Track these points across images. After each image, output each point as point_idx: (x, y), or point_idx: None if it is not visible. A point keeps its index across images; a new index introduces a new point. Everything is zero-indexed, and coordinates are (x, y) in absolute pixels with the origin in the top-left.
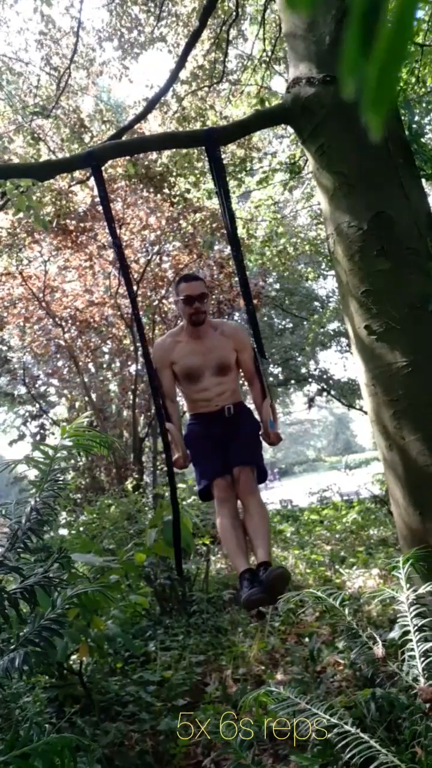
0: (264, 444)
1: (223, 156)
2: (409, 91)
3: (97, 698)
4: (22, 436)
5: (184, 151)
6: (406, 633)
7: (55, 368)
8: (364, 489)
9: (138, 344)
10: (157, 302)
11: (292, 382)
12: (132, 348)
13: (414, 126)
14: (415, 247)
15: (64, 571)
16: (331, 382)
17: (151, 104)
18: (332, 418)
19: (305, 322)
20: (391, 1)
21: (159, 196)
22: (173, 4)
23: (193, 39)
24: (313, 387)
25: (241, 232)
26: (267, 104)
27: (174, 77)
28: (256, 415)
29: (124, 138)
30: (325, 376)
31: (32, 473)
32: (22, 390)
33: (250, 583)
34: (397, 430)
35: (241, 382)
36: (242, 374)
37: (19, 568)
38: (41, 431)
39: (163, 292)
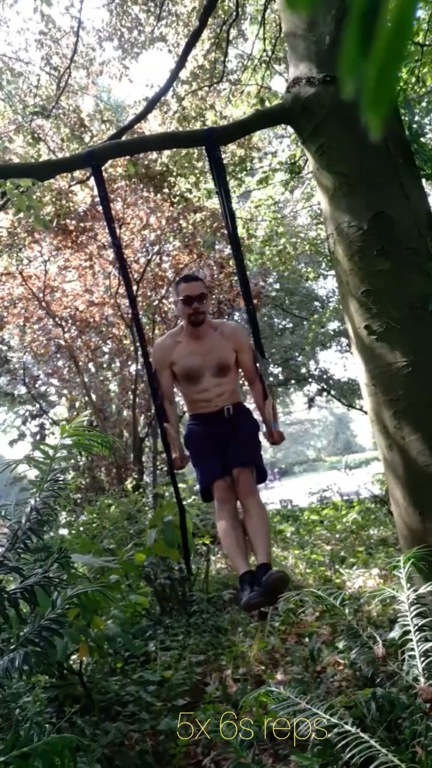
0: (264, 444)
1: (223, 156)
2: (409, 91)
3: (97, 698)
4: (22, 436)
5: (184, 150)
6: (407, 633)
7: (55, 368)
8: (364, 489)
9: (138, 344)
10: (157, 302)
11: (292, 382)
12: (132, 348)
13: (414, 126)
14: (415, 247)
15: (64, 571)
16: (331, 382)
17: (151, 104)
18: (332, 418)
19: (305, 322)
20: (390, 1)
21: (159, 196)
22: (173, 4)
23: (193, 39)
24: (313, 387)
25: (241, 231)
26: (267, 104)
27: (174, 77)
28: (256, 416)
29: (124, 138)
30: (325, 376)
31: (32, 473)
32: (22, 390)
33: (250, 586)
34: (397, 429)
35: (241, 382)
36: (242, 374)
37: (19, 568)
38: (41, 431)
39: (163, 291)
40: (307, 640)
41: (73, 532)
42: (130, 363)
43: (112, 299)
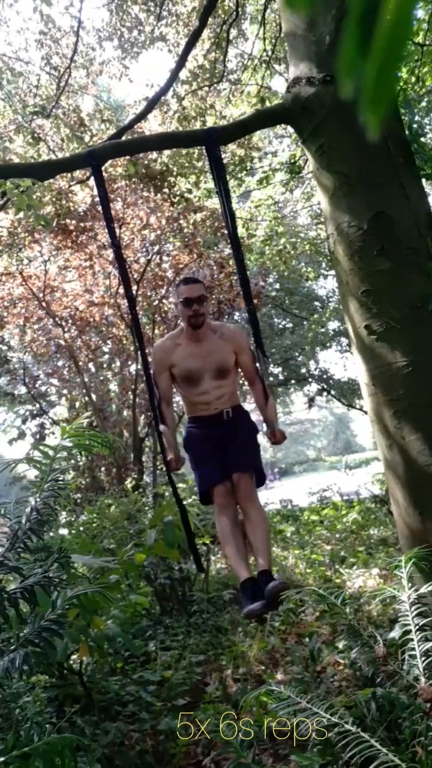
0: (264, 444)
1: (223, 156)
2: (409, 91)
3: (97, 698)
4: (22, 435)
5: (184, 150)
6: (407, 632)
7: (55, 368)
8: (364, 489)
9: (137, 345)
10: (157, 302)
11: (293, 381)
12: (132, 348)
13: (414, 126)
14: (415, 247)
15: (64, 571)
16: (331, 381)
17: (152, 104)
18: (332, 418)
19: (305, 322)
20: (389, 1)
21: (159, 195)
22: (173, 4)
23: (194, 38)
24: (313, 387)
25: (241, 231)
26: (267, 104)
27: (174, 77)
28: (253, 416)
29: (124, 138)
30: (325, 376)
31: (32, 473)
32: (23, 390)
33: (252, 595)
34: (398, 429)
35: (241, 382)
36: (243, 375)
37: (19, 568)
38: (41, 430)
39: (163, 291)
40: (307, 639)
41: (73, 532)
42: (130, 363)
43: (112, 299)
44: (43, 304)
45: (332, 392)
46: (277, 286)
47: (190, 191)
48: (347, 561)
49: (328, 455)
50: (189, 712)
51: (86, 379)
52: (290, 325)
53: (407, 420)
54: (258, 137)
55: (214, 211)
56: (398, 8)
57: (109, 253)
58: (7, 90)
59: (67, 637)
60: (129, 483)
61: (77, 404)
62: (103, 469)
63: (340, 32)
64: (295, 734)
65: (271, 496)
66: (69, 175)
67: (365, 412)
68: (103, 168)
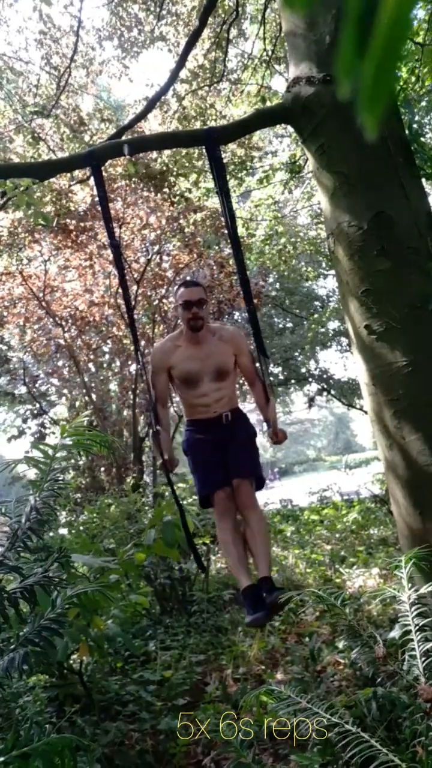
0: (264, 443)
1: (223, 155)
2: (409, 91)
3: (97, 698)
4: (21, 433)
5: (184, 150)
6: (407, 632)
7: (55, 368)
8: (364, 488)
9: (134, 346)
10: (157, 302)
11: (292, 381)
12: (132, 348)
13: (414, 125)
14: (415, 247)
15: (64, 571)
16: (331, 381)
17: (152, 103)
18: (332, 418)
19: (305, 322)
20: (387, 2)
21: (159, 195)
22: (173, 3)
23: (194, 38)
24: (314, 386)
25: (241, 231)
26: (267, 103)
27: (174, 76)
28: (253, 416)
29: (124, 137)
30: (325, 376)
31: (32, 472)
32: (23, 389)
33: (253, 603)
34: (398, 429)
35: (240, 381)
36: (242, 376)
37: (19, 568)
38: (41, 430)
39: (163, 291)
40: (307, 639)
41: (73, 531)
42: (130, 363)
43: (112, 299)
44: (43, 303)
45: (332, 392)
46: (277, 285)
47: (189, 190)
48: (347, 561)
49: (328, 455)
50: (189, 711)
51: (86, 379)
52: (290, 324)
53: (407, 420)
54: (258, 137)
55: (214, 210)
56: (396, 8)
57: (109, 253)
58: (7, 90)
59: (67, 636)
60: (128, 483)
61: (77, 404)
62: (103, 468)
63: (340, 32)
64: (295, 734)
65: (271, 495)
66: (69, 174)
67: (365, 412)
68: (102, 167)
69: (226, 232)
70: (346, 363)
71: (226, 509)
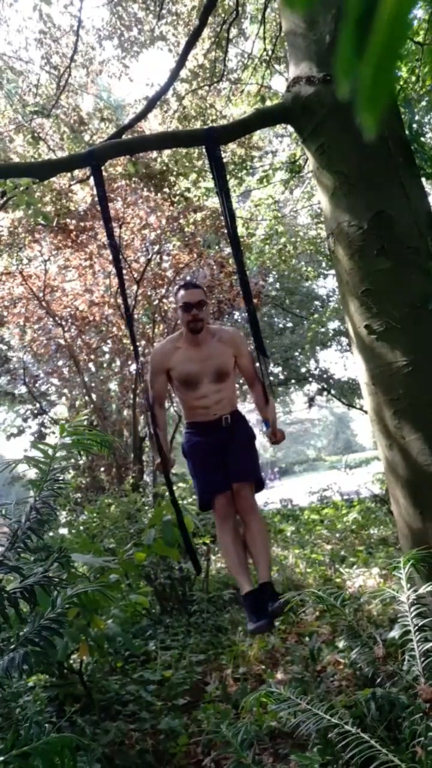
0: (264, 443)
1: (223, 155)
2: (409, 90)
3: (97, 697)
4: (21, 431)
5: (184, 150)
6: (407, 633)
7: (55, 367)
8: (364, 488)
9: (133, 347)
10: (157, 302)
11: (293, 381)
12: (132, 347)
13: (414, 125)
14: (415, 247)
15: (64, 571)
16: (331, 381)
17: (152, 103)
18: (332, 418)
19: (305, 322)
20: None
21: (159, 195)
22: (173, 3)
23: (194, 38)
24: (314, 386)
25: (241, 231)
26: (267, 103)
27: (174, 76)
28: (252, 416)
29: (124, 137)
30: (325, 376)
31: (32, 472)
32: (23, 389)
33: (254, 609)
34: (398, 429)
35: (240, 381)
36: (242, 377)
37: (19, 568)
38: (41, 429)
39: (164, 291)
40: (307, 639)
41: (73, 531)
42: (130, 363)
43: (112, 299)
44: (43, 303)
45: (332, 392)
46: (277, 285)
47: (188, 190)
48: (347, 560)
49: (328, 455)
50: (189, 711)
51: (86, 379)
52: (290, 324)
53: (407, 420)
54: (258, 136)
55: (214, 210)
56: (396, 8)
57: (109, 253)
58: (7, 89)
59: (67, 636)
60: (128, 483)
61: (77, 403)
62: (103, 468)
63: (340, 31)
64: (295, 734)
65: (271, 495)
66: (69, 174)
67: (365, 412)
68: (103, 167)
69: (225, 231)
70: (346, 363)
71: (226, 514)
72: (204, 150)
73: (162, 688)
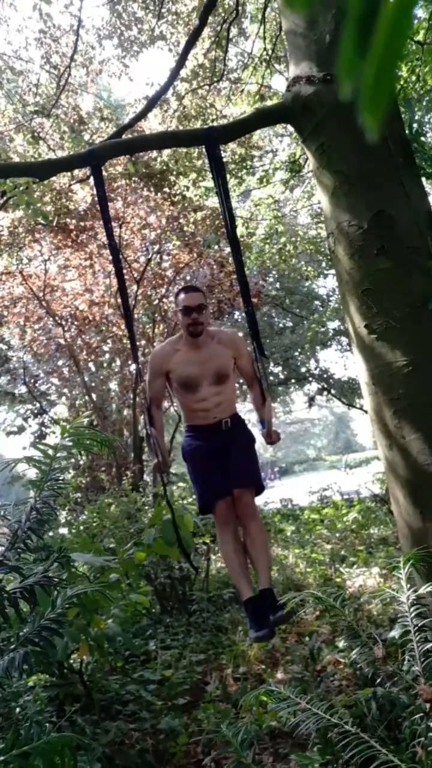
0: (264, 443)
1: (223, 154)
2: (409, 90)
3: (97, 697)
4: (21, 429)
5: (184, 149)
6: (407, 633)
7: (55, 367)
8: (364, 488)
9: (132, 348)
10: (157, 301)
11: (293, 381)
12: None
13: (414, 125)
14: (415, 246)
15: (64, 571)
16: (331, 381)
17: (152, 103)
18: (332, 417)
19: (305, 321)
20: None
21: (159, 195)
22: (173, 2)
23: (194, 37)
24: (314, 386)
25: (241, 230)
26: (267, 103)
27: (174, 76)
28: (249, 418)
29: (124, 136)
30: (325, 375)
31: (31, 472)
32: (23, 389)
33: (255, 616)
34: (398, 429)
35: (240, 381)
36: (242, 378)
37: (19, 568)
38: (42, 429)
39: (163, 291)
40: (307, 639)
41: (73, 531)
42: (130, 362)
43: (112, 298)
44: (43, 303)
45: (332, 391)
46: (277, 285)
47: (187, 188)
48: (347, 560)
49: (328, 454)
50: (189, 711)
51: (86, 379)
52: (290, 324)
53: (407, 419)
54: (258, 136)
55: (214, 209)
56: (397, 8)
57: (109, 253)
58: (7, 89)
59: (67, 636)
60: (126, 483)
61: (77, 403)
62: (103, 468)
63: (340, 31)
64: (295, 734)
65: (271, 495)
66: (69, 174)
67: (365, 412)
68: (103, 167)
69: (225, 231)
70: (346, 362)
71: (227, 519)
72: (204, 149)
73: (162, 687)
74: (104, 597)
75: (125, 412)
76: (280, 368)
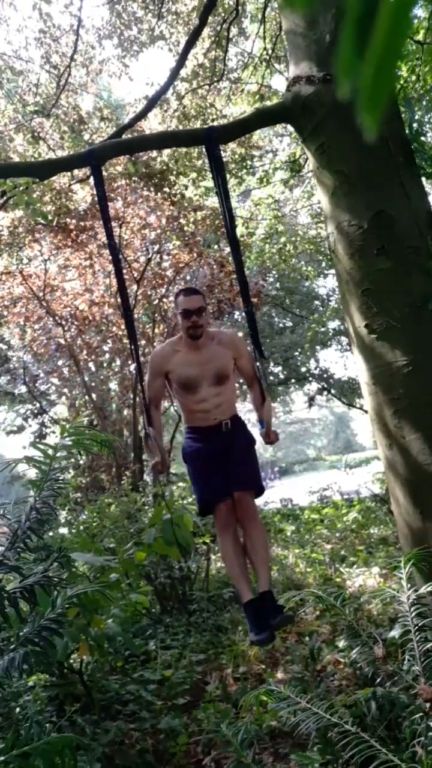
0: (263, 444)
1: (223, 154)
2: (409, 90)
3: (97, 697)
4: (21, 429)
5: (184, 149)
6: (407, 632)
7: (55, 367)
8: (364, 488)
9: (131, 348)
10: (157, 301)
11: (293, 380)
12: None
13: (414, 124)
14: (415, 246)
15: (64, 571)
16: (331, 381)
17: (152, 102)
18: (332, 417)
19: (305, 321)
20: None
21: (159, 194)
22: (173, 2)
23: (194, 37)
24: (314, 386)
25: (241, 230)
26: (267, 102)
27: (174, 75)
28: (248, 418)
29: (124, 136)
30: (325, 375)
31: (31, 472)
32: (23, 389)
33: (255, 619)
34: (398, 429)
35: (240, 381)
36: (242, 378)
37: (19, 568)
38: (42, 429)
39: (163, 291)
40: (307, 639)
41: (73, 531)
42: (130, 362)
43: (112, 298)
44: (43, 303)
45: (332, 391)
46: (277, 285)
47: (187, 188)
48: (347, 560)
49: (328, 454)
50: (189, 711)
51: (86, 378)
52: (290, 324)
53: (407, 419)
54: (258, 136)
55: (214, 209)
56: (396, 7)
57: (109, 253)
58: (7, 89)
59: (67, 636)
60: (126, 483)
61: (77, 403)
62: (103, 468)
63: (340, 31)
64: (295, 733)
65: (271, 495)
66: (69, 173)
67: (365, 412)
68: (102, 167)
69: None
70: (346, 362)
71: (227, 522)
72: (204, 149)
73: (162, 687)
74: (104, 597)
75: (125, 412)
76: (280, 368)
